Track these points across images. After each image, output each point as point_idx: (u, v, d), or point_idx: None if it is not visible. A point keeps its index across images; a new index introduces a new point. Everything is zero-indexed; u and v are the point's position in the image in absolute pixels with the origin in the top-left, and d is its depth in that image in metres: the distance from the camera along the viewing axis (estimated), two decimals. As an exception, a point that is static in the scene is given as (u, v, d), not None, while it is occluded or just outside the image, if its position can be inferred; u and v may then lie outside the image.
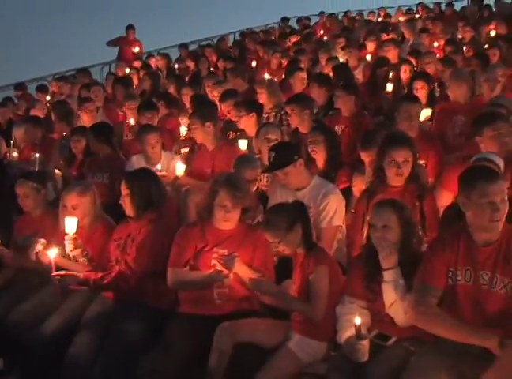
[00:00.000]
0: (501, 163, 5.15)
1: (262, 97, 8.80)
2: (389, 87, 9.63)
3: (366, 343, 4.17)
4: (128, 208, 5.54)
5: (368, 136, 6.24)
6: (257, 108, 7.98)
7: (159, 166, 7.12)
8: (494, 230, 4.04)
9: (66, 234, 5.49)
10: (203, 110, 7.86)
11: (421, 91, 8.44)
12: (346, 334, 4.37)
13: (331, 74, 10.30)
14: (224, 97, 8.99)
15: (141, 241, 5.38)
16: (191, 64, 14.81)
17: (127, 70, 14.37)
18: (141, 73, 13.29)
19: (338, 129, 7.62)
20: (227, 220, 5.12)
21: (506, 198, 4.02)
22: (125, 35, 17.39)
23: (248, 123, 7.70)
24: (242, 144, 7.28)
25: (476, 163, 5.14)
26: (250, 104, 7.99)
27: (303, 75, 10.02)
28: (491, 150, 5.58)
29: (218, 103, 9.18)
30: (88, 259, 5.65)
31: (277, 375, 4.60)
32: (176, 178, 6.93)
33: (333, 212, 5.54)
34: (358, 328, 4.14)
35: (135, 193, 5.48)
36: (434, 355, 4.05)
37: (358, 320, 4.15)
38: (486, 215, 3.99)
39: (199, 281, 5.04)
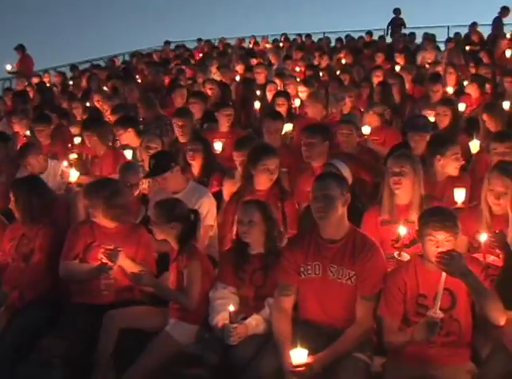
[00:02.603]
0: (344, 169, 5.28)
1: (141, 111, 8.78)
2: (257, 105, 9.72)
3: (237, 326, 4.20)
4: (16, 213, 5.37)
5: (242, 140, 6.27)
6: (133, 123, 7.81)
7: (65, 163, 6.98)
8: (326, 225, 4.15)
9: None
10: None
11: (282, 106, 8.57)
12: (218, 316, 4.41)
13: (208, 92, 10.32)
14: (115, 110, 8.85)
15: (40, 244, 5.22)
16: (83, 81, 14.51)
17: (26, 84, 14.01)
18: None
19: (219, 142, 7.44)
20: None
21: (330, 196, 4.10)
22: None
23: (128, 137, 7.54)
24: (128, 154, 7.20)
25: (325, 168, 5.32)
26: (125, 121, 7.78)
27: (184, 92, 9.97)
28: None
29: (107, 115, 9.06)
30: None
31: (158, 356, 4.56)
32: (69, 183, 6.73)
33: (205, 212, 5.51)
34: (231, 314, 4.17)
35: (20, 200, 5.32)
36: (294, 336, 4.09)
37: (231, 307, 4.19)
38: (313, 211, 4.14)
39: (87, 273, 4.94)
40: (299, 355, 3.70)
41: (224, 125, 7.86)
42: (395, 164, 4.77)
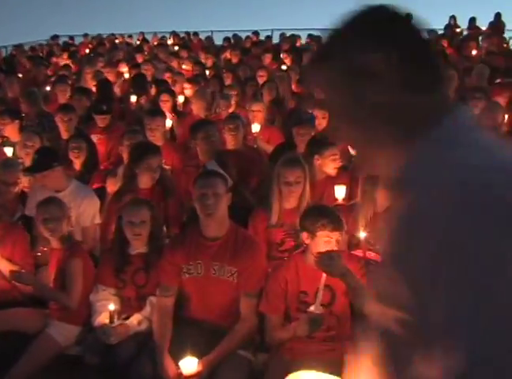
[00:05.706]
0: (215, 167, 5.31)
1: (23, 106, 8.46)
2: (133, 98, 9.54)
3: (117, 325, 4.12)
4: None
5: (132, 128, 6.28)
6: (21, 116, 7.57)
7: None
8: (211, 223, 4.11)
9: None
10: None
11: (166, 103, 8.48)
12: (100, 318, 4.29)
13: (93, 89, 10.06)
14: None
15: None
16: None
17: None
18: None
19: (95, 137, 7.38)
20: None
21: (218, 194, 4.07)
22: None
23: (13, 130, 7.26)
24: (8, 151, 6.92)
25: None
26: (14, 112, 7.53)
27: (67, 87, 9.68)
28: (205, 150, 5.87)
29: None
30: None
31: (39, 358, 4.39)
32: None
33: (93, 211, 5.40)
34: (111, 314, 4.09)
35: None
36: (178, 334, 4.08)
37: (112, 307, 4.11)
38: (201, 209, 4.08)
39: None
40: (189, 365, 3.63)
41: (99, 121, 7.67)
42: (292, 174, 4.72)
